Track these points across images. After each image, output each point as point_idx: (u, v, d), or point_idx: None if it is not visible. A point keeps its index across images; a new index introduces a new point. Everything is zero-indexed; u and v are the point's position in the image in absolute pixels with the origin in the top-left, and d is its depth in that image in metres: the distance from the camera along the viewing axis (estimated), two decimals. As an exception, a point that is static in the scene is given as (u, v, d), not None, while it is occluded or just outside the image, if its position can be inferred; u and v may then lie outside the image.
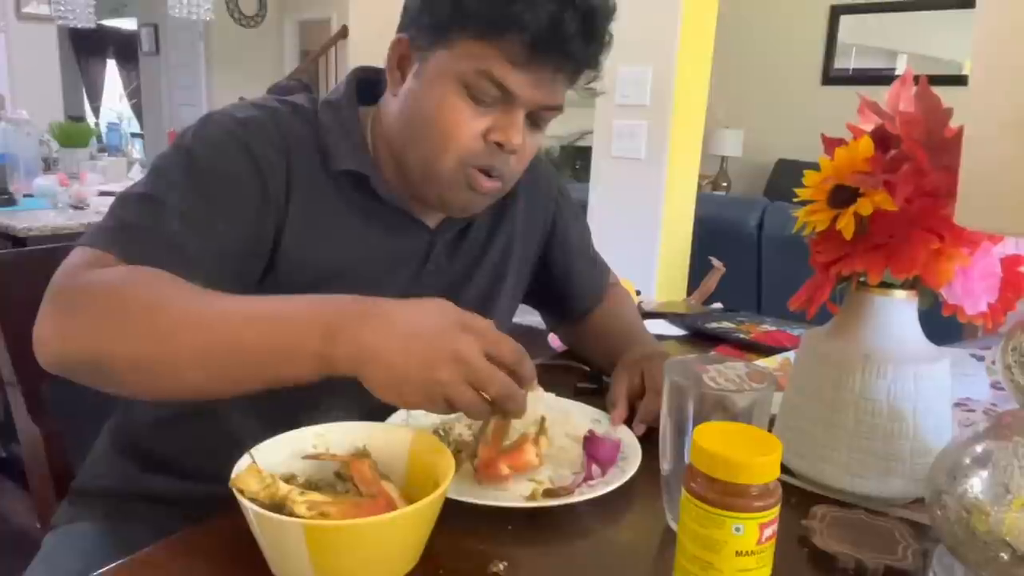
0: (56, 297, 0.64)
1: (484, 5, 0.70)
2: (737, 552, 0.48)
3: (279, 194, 0.75)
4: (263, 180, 0.74)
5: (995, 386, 0.94)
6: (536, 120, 0.78)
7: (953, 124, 0.65)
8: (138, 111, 8.57)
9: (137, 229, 0.68)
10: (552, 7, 0.69)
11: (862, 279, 0.67)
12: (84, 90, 9.02)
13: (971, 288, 0.64)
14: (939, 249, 0.61)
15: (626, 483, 0.68)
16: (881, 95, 0.69)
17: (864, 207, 0.62)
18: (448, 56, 0.74)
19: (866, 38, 5.17)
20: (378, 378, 0.56)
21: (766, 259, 2.81)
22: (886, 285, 0.67)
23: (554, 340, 1.18)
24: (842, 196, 0.65)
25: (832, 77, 5.29)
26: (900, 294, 0.67)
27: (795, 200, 0.69)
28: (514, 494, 0.67)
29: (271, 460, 0.57)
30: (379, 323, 0.58)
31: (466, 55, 0.72)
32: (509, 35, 0.70)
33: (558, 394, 0.84)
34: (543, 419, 0.72)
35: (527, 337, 1.23)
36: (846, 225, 0.63)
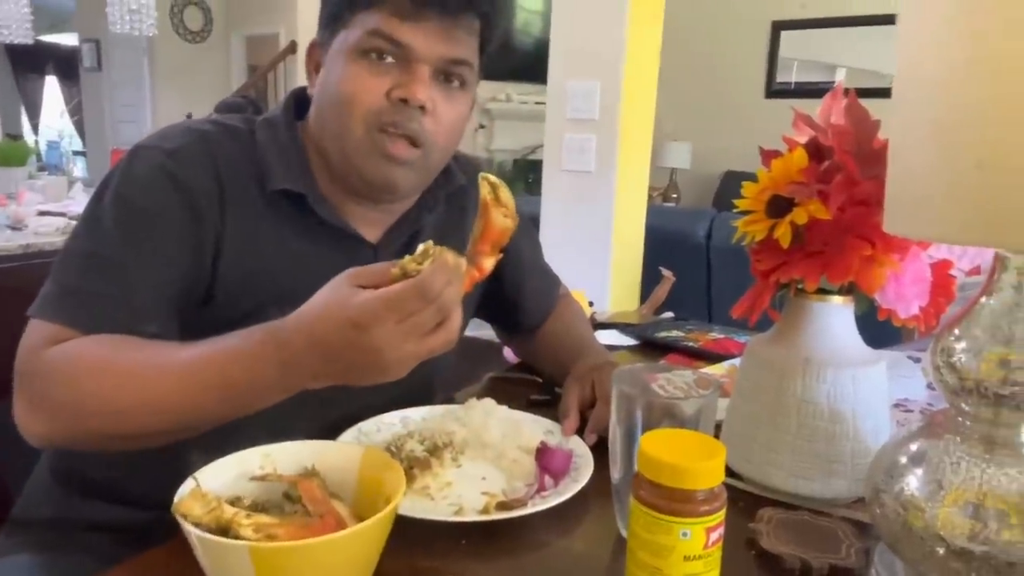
0: (23, 382, 0.67)
1: None
2: (685, 557, 0.49)
3: (214, 220, 0.75)
4: (196, 211, 0.74)
5: (931, 387, 0.97)
6: (448, 78, 0.78)
7: (884, 135, 0.68)
8: (80, 128, 8.34)
9: (83, 294, 0.70)
10: None
11: (800, 286, 0.70)
12: (23, 107, 8.75)
13: (903, 292, 0.66)
14: (871, 256, 0.64)
15: (579, 493, 0.68)
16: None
17: (800, 216, 0.64)
18: (344, 34, 0.76)
19: (806, 53, 5.35)
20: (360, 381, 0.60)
21: (715, 268, 2.87)
22: (823, 291, 0.69)
23: (508, 353, 1.19)
24: (779, 206, 0.67)
25: (775, 90, 5.45)
26: (837, 300, 0.70)
27: (735, 211, 0.71)
28: (467, 508, 0.66)
29: (216, 483, 0.56)
30: (305, 361, 0.60)
31: (358, 25, 0.75)
32: None
33: (511, 407, 0.84)
34: (487, 180, 0.64)
35: (482, 351, 1.24)
36: (783, 234, 0.65)
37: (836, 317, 0.70)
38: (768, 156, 0.71)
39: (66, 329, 0.68)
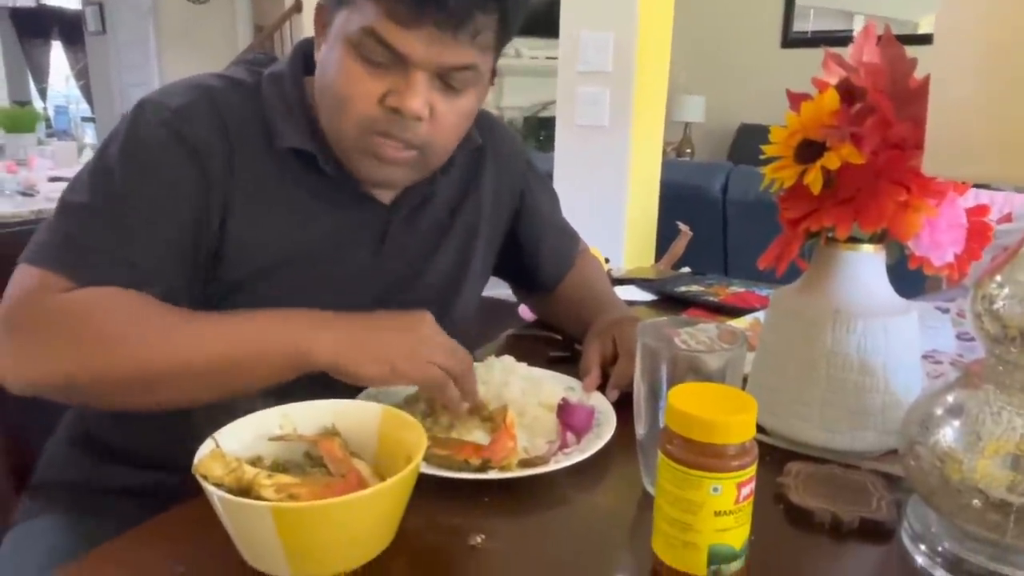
0: (16, 324, 0.65)
1: None
2: (715, 512, 0.48)
3: (222, 179, 0.72)
4: (202, 169, 0.71)
5: (961, 337, 0.95)
6: (448, 82, 0.72)
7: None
8: (87, 92, 8.29)
9: (83, 246, 0.67)
10: None
11: (830, 235, 0.67)
12: (29, 73, 8.71)
13: (938, 239, 0.64)
14: (906, 201, 0.61)
15: (602, 449, 0.67)
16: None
17: (831, 161, 0.61)
18: (345, 16, 0.70)
19: (823, 0, 5.19)
20: (358, 358, 0.64)
21: (731, 222, 2.82)
22: (854, 240, 0.67)
23: (524, 311, 1.17)
24: (809, 151, 0.64)
25: (791, 40, 5.30)
26: (868, 248, 0.67)
27: (762, 157, 0.68)
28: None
29: (235, 444, 0.55)
30: (337, 322, 0.67)
31: (357, 14, 0.68)
32: None
33: (530, 364, 0.83)
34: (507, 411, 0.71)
35: (497, 310, 1.22)
36: (814, 180, 0.62)
37: (867, 266, 0.68)
38: (796, 99, 0.68)
39: (64, 280, 0.65)
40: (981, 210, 0.68)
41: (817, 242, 0.69)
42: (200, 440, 0.53)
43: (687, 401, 0.49)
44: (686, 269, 1.58)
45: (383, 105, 0.70)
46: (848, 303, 0.67)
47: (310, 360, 0.63)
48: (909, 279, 0.77)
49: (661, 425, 0.52)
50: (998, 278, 0.51)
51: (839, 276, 0.68)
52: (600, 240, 1.48)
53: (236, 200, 0.73)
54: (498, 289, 1.13)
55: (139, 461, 0.77)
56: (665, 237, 2.35)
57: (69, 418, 0.84)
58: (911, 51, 0.64)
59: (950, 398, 0.54)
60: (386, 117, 0.70)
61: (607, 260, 1.45)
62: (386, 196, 0.82)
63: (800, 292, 0.71)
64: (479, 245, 0.93)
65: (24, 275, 0.66)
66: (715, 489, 0.47)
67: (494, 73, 0.79)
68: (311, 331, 0.65)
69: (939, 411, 0.54)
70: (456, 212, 0.90)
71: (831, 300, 0.67)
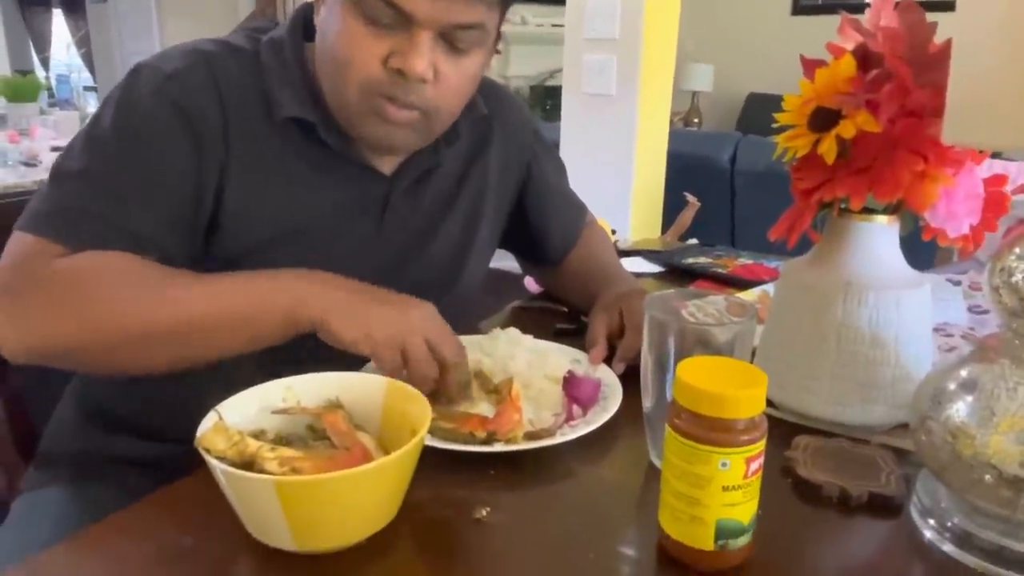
0: (11, 291, 0.64)
1: None
2: (724, 487, 0.47)
3: (217, 149, 0.71)
4: (197, 138, 0.70)
5: (972, 310, 0.93)
6: (453, 42, 0.70)
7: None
8: (89, 61, 8.22)
9: (78, 213, 0.66)
10: None
11: (844, 205, 0.66)
12: (31, 42, 8.63)
13: (955, 210, 0.62)
14: (923, 171, 0.59)
15: (608, 422, 0.67)
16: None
17: (846, 129, 0.60)
18: None
19: (836, -35, 5.08)
20: (343, 317, 0.62)
21: (739, 193, 2.80)
22: (868, 211, 0.65)
23: (530, 283, 1.16)
24: (823, 119, 0.62)
25: (802, 7, 5.20)
26: (882, 219, 0.66)
27: (775, 126, 0.66)
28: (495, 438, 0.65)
29: (238, 417, 0.55)
30: (339, 283, 0.66)
31: None
32: None
33: (536, 336, 0.82)
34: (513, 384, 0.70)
35: (502, 282, 1.21)
36: (828, 149, 0.61)
37: (880, 238, 0.66)
38: (811, 66, 0.66)
39: (58, 247, 0.65)
40: (998, 180, 0.66)
41: (829, 213, 0.68)
42: (204, 412, 0.53)
43: (696, 375, 0.48)
44: (693, 241, 1.57)
45: (386, 67, 0.68)
46: (860, 275, 0.66)
47: (303, 311, 0.63)
48: (919, 251, 0.76)
49: (668, 398, 0.51)
50: (1017, 250, 0.50)
51: (851, 248, 0.66)
52: (606, 211, 1.46)
53: (232, 170, 0.72)
54: (504, 261, 1.11)
55: (144, 432, 0.77)
56: (672, 208, 2.32)
57: (75, 388, 0.84)
58: (929, 17, 0.62)
59: (964, 372, 0.53)
60: (389, 79, 0.69)
61: (613, 231, 1.44)
62: (387, 167, 0.81)
63: (811, 264, 0.70)
64: (485, 216, 0.91)
65: (19, 243, 0.66)
66: (724, 464, 0.47)
67: (499, 37, 0.77)
68: (310, 286, 0.65)
69: (952, 385, 0.53)
70: (462, 183, 0.88)
71: (843, 272, 0.66)
